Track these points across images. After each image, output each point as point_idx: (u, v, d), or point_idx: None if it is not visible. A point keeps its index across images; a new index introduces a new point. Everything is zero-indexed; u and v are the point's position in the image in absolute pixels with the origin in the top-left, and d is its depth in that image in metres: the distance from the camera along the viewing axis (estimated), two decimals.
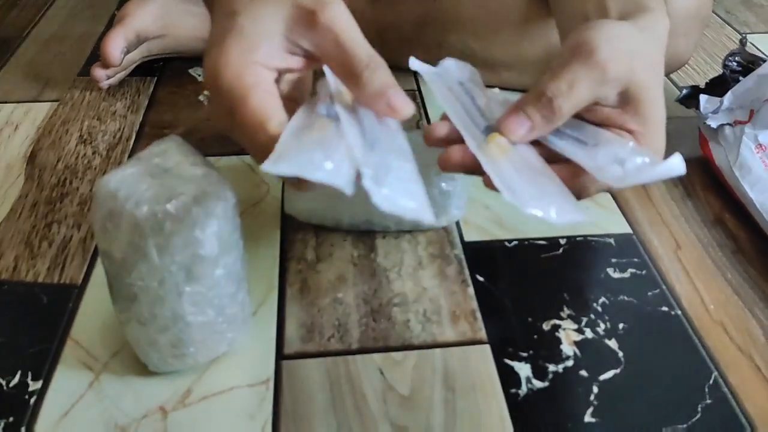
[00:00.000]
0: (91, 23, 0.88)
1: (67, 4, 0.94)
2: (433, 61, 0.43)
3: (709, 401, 0.41)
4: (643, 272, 0.51)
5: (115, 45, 0.68)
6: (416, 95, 0.72)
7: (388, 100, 0.32)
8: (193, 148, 0.40)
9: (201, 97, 0.72)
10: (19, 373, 0.42)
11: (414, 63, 0.41)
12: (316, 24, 0.32)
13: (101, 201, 0.37)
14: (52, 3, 0.94)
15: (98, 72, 0.70)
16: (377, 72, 0.32)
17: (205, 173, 0.38)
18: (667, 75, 0.75)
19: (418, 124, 0.68)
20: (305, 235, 0.53)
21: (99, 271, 0.50)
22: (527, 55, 0.70)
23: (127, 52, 0.70)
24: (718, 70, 0.78)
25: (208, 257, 0.38)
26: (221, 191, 0.38)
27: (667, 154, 0.37)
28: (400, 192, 0.30)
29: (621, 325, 0.46)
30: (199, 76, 0.76)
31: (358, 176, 0.30)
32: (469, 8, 0.69)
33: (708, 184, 0.60)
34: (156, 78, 0.75)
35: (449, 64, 0.42)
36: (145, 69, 0.76)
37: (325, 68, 0.34)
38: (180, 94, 0.73)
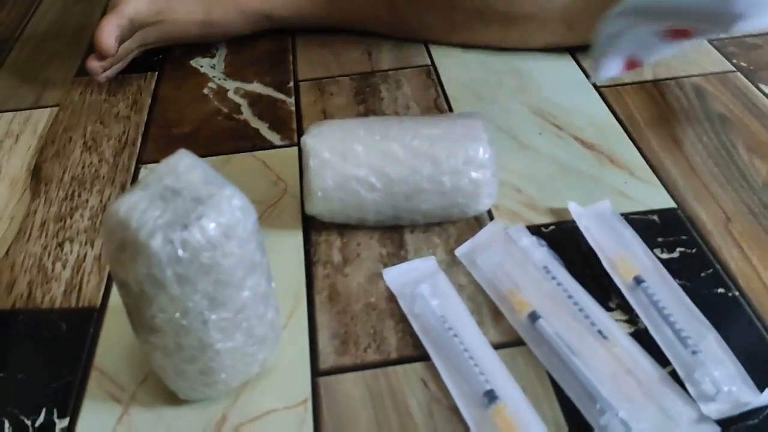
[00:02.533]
0: (85, 16, 0.84)
1: None
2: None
3: None
4: (693, 251, 0.47)
5: (109, 32, 0.64)
6: (431, 71, 0.68)
7: None
8: (204, 163, 0.37)
9: (206, 90, 0.68)
10: (44, 411, 0.40)
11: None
12: None
13: (112, 232, 0.34)
14: None
15: (93, 64, 0.66)
16: None
17: (220, 191, 0.35)
18: None
19: (435, 103, 0.64)
20: (329, 235, 0.51)
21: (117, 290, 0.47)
22: (553, 3, 0.65)
23: (122, 40, 0.67)
24: None
25: (231, 282, 0.35)
26: (240, 209, 0.35)
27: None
28: None
29: None
30: (202, 67, 0.72)
31: None
32: None
33: (752, 145, 0.56)
34: (157, 73, 0.72)
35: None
36: (144, 64, 0.72)
37: None
38: (184, 89, 0.69)
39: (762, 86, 0.63)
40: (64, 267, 0.50)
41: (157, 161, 0.59)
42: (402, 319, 0.44)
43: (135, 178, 0.58)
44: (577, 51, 0.69)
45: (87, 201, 0.55)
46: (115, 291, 0.47)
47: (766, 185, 0.52)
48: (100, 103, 0.68)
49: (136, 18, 0.67)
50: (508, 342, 0.42)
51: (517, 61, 0.69)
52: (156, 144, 0.62)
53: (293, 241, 0.50)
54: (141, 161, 0.60)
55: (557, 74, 0.67)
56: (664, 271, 0.45)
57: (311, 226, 0.51)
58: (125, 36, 0.66)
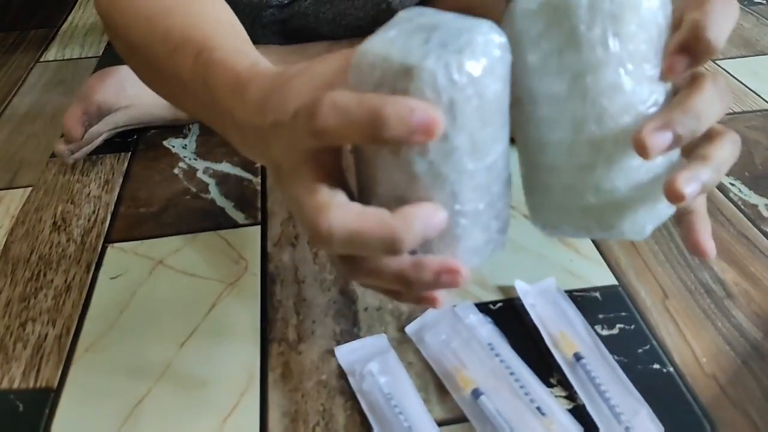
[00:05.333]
0: (64, 99, 0.88)
1: (38, 81, 0.94)
2: None
3: None
4: (632, 327, 0.49)
5: (75, 119, 0.68)
6: None
7: None
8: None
9: (176, 170, 0.71)
10: None
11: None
12: None
13: (365, 74, 0.30)
14: (23, 81, 0.94)
15: (61, 147, 0.70)
16: None
17: (479, 23, 0.31)
18: None
19: None
20: (286, 313, 0.52)
21: (75, 370, 0.48)
22: None
23: (90, 125, 0.70)
24: None
25: None
26: (499, 47, 0.31)
27: None
28: None
29: None
30: (173, 147, 0.75)
31: None
32: None
33: None
34: (130, 153, 0.75)
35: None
36: (118, 144, 0.75)
37: None
38: (154, 168, 0.72)
39: None
40: (24, 347, 0.51)
41: (124, 240, 0.62)
42: (351, 397, 0.45)
43: (101, 258, 0.60)
44: None
45: (52, 281, 0.57)
46: (72, 372, 0.48)
47: (702, 263, 0.55)
48: (72, 183, 0.70)
49: (104, 104, 0.71)
50: (453, 419, 0.44)
51: None
52: (124, 223, 0.64)
53: (250, 319, 0.52)
54: (108, 240, 0.62)
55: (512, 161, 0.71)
56: (603, 347, 0.47)
57: (269, 304, 0.53)
58: (93, 121, 0.70)
